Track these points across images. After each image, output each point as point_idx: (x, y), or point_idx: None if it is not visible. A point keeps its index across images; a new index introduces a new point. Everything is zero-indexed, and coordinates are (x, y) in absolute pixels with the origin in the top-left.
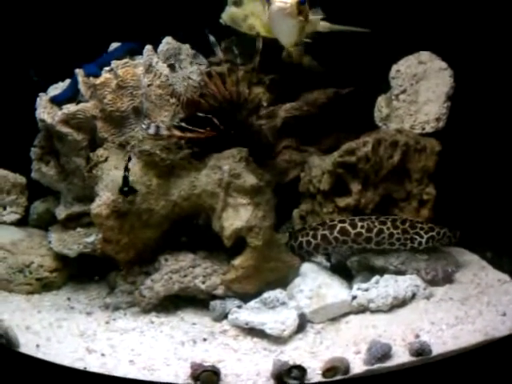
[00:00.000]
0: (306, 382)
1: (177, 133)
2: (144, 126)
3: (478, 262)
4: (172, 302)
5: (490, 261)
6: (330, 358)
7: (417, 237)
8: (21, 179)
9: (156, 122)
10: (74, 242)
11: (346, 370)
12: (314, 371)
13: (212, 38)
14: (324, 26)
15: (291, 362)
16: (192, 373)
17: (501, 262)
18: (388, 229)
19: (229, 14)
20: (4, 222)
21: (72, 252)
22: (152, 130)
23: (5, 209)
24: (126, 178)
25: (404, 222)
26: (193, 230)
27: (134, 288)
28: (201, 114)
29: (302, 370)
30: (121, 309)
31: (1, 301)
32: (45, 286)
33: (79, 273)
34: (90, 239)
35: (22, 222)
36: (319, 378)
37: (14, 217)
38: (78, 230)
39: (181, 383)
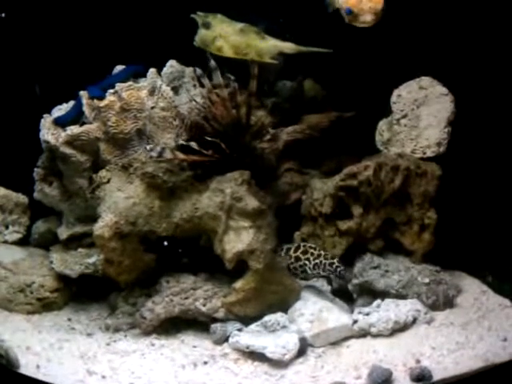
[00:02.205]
0: None
1: (180, 156)
2: (148, 148)
3: (479, 286)
4: (173, 325)
5: (491, 285)
6: (331, 382)
7: (306, 263)
8: (23, 199)
9: (160, 144)
10: (75, 263)
11: None
12: None
13: (212, 63)
14: (290, 47)
15: None
16: None
17: (501, 287)
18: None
19: (200, 36)
20: (6, 242)
21: (73, 272)
22: (155, 153)
23: (7, 228)
24: None
25: (297, 248)
26: (194, 252)
27: (134, 309)
28: (208, 138)
29: None
30: (121, 330)
31: (1, 321)
32: (45, 306)
33: (80, 293)
34: (92, 260)
35: (23, 242)
36: None
37: (16, 236)
38: (80, 250)
39: None
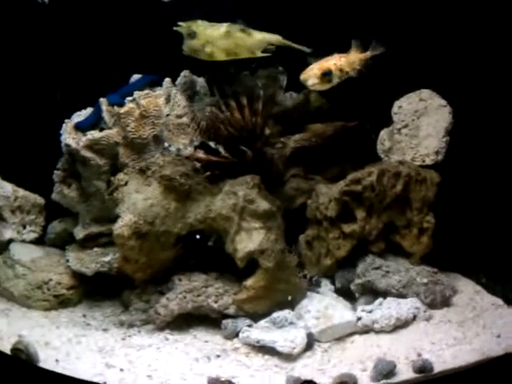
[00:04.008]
0: None
1: (199, 154)
2: (167, 145)
3: (473, 286)
4: (184, 321)
5: (485, 286)
6: (340, 373)
7: None
8: (40, 200)
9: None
10: (91, 261)
11: None
12: None
13: (231, 71)
14: (276, 39)
15: (303, 378)
16: None
17: (495, 287)
18: None
19: (187, 46)
20: (23, 241)
21: (89, 270)
22: (174, 149)
23: (24, 228)
24: None
25: None
26: (203, 252)
27: (148, 306)
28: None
29: None
30: (135, 326)
31: (20, 316)
32: (62, 303)
33: (93, 291)
34: (107, 258)
35: (38, 241)
36: None
37: (33, 235)
38: (95, 249)
39: None
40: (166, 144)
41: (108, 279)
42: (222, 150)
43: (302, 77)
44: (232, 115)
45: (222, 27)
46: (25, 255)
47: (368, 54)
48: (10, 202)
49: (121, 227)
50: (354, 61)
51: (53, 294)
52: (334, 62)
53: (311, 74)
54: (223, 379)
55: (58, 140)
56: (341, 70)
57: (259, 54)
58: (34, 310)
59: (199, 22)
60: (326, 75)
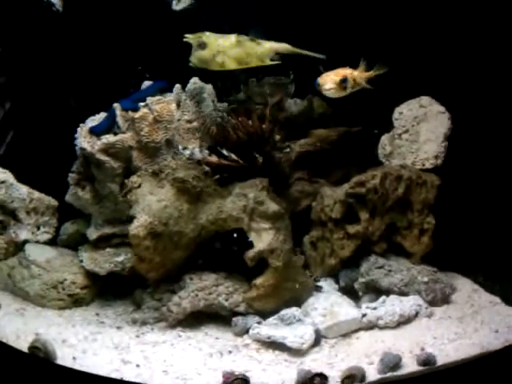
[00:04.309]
0: None
1: (211, 158)
2: (181, 148)
3: (471, 285)
4: (195, 319)
5: (482, 284)
6: (348, 366)
7: None
8: (53, 202)
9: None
10: (105, 261)
11: (363, 377)
12: (334, 379)
13: (242, 78)
14: (285, 48)
15: (313, 371)
16: (224, 381)
17: (492, 286)
18: None
19: (197, 57)
20: (38, 241)
21: (103, 270)
22: (189, 152)
23: (38, 229)
24: None
25: None
26: (210, 253)
27: (160, 304)
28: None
29: (323, 377)
30: (148, 324)
31: (35, 316)
32: (75, 302)
33: (104, 290)
34: (120, 258)
35: (51, 242)
36: None
37: (46, 236)
38: (108, 250)
39: None
40: (180, 147)
41: (118, 279)
42: (232, 154)
43: (320, 81)
44: (241, 120)
45: (232, 37)
46: (40, 256)
47: (372, 73)
48: (26, 203)
49: (136, 228)
50: (364, 75)
51: (67, 294)
52: (350, 72)
53: (329, 80)
54: (237, 373)
55: (70, 144)
56: (354, 81)
57: (268, 63)
58: (49, 309)
59: (207, 33)
60: (344, 82)
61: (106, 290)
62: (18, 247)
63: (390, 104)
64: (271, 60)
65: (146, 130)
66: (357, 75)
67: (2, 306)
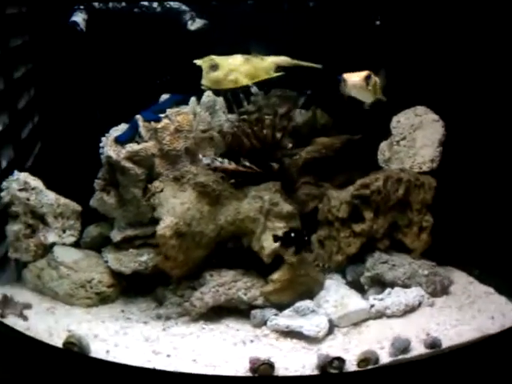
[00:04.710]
0: (344, 371)
1: (231, 166)
2: (201, 157)
3: (466, 277)
4: (215, 313)
5: (477, 277)
6: (362, 351)
7: None
8: (78, 207)
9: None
10: (129, 261)
11: (376, 360)
12: (350, 362)
13: (255, 89)
14: (285, 60)
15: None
16: (251, 366)
17: (486, 278)
18: None
19: (210, 79)
20: (64, 244)
21: (128, 269)
22: (209, 160)
23: (64, 232)
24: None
25: None
26: (225, 253)
27: (182, 300)
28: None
29: (341, 360)
30: (172, 318)
31: (65, 314)
32: (102, 300)
33: (128, 288)
34: (143, 258)
35: (75, 244)
36: (355, 368)
37: (72, 239)
38: (131, 250)
39: (242, 375)
40: (201, 156)
41: (140, 278)
42: (246, 162)
43: (345, 76)
44: (255, 129)
45: (238, 56)
46: (67, 257)
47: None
48: (54, 208)
49: (163, 228)
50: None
51: (95, 292)
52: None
53: (355, 74)
54: (263, 359)
55: (91, 152)
56: (375, 84)
57: (274, 75)
58: (77, 307)
59: (212, 56)
60: (368, 78)
61: (128, 288)
62: (47, 249)
63: (387, 114)
64: (275, 72)
65: (167, 138)
66: (377, 80)
67: (33, 306)
